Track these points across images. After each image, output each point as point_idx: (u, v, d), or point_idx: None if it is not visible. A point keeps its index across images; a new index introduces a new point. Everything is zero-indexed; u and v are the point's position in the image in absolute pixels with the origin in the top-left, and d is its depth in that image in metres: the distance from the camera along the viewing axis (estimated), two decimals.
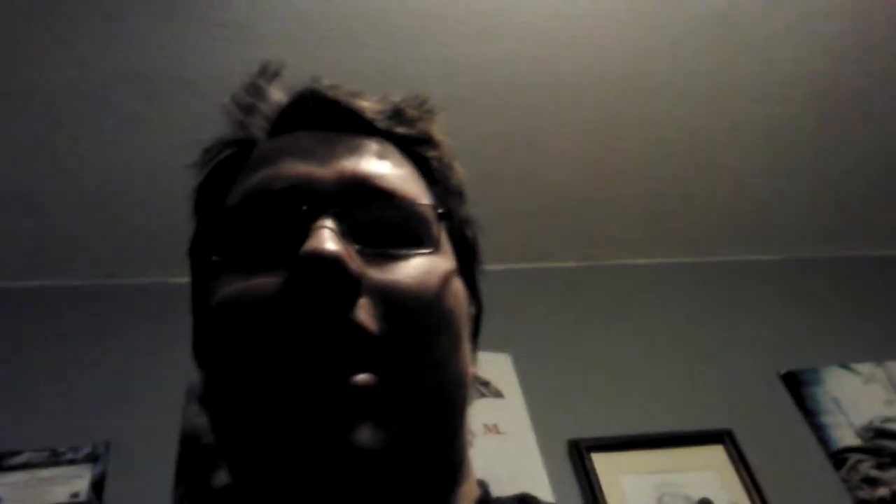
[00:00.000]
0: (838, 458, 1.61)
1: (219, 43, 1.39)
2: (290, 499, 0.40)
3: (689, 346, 1.80)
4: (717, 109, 1.68)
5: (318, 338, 0.39)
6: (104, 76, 1.40)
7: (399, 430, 0.39)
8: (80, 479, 1.39)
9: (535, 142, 1.67)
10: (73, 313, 1.66)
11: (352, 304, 0.41)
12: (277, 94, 0.54)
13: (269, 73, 0.55)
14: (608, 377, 1.70)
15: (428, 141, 0.55)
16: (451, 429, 0.45)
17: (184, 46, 1.39)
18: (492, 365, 1.64)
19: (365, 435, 0.38)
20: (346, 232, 0.43)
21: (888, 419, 1.68)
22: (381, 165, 0.49)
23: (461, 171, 0.57)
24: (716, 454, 1.58)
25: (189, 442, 1.44)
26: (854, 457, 1.61)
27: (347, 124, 0.52)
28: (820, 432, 1.66)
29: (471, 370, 0.50)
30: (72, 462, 1.41)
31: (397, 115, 0.54)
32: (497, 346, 1.65)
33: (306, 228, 0.42)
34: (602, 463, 1.52)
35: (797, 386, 1.74)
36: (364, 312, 0.41)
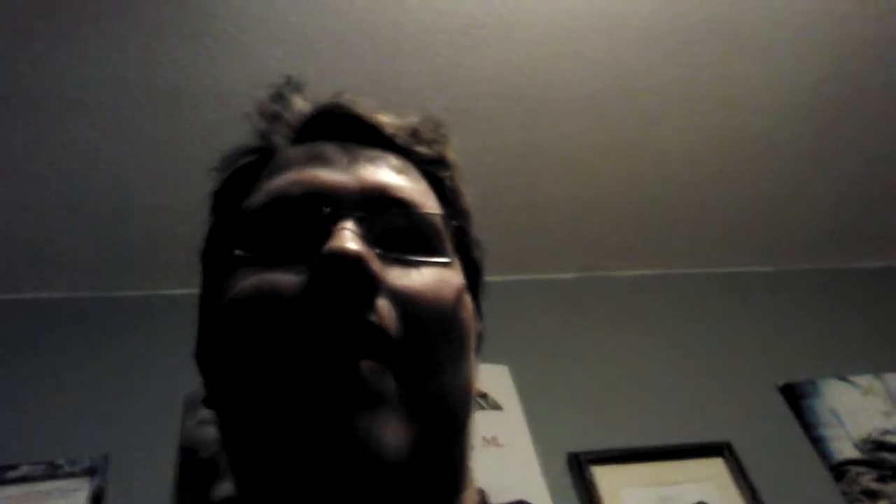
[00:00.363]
0: (838, 470, 1.61)
1: (213, 54, 1.39)
2: (299, 499, 0.40)
3: (688, 358, 1.80)
4: (717, 119, 1.69)
5: (335, 333, 0.40)
6: (100, 87, 1.40)
7: (408, 425, 0.40)
8: (78, 493, 1.39)
9: (532, 153, 1.68)
10: (70, 325, 1.65)
11: (370, 303, 0.42)
12: (301, 105, 0.56)
13: (293, 84, 0.57)
14: (607, 389, 1.70)
15: (443, 162, 0.57)
16: (456, 434, 0.46)
17: (177, 58, 1.39)
18: (490, 377, 1.64)
19: (374, 424, 0.39)
20: (367, 236, 0.44)
21: (887, 431, 1.68)
22: (400, 178, 0.51)
23: (469, 196, 0.58)
24: (715, 467, 1.58)
25: (187, 454, 1.43)
26: (854, 469, 1.61)
27: (368, 138, 0.54)
28: (819, 445, 1.65)
29: (476, 384, 0.51)
30: (70, 475, 1.41)
31: (415, 134, 0.56)
32: (495, 358, 1.64)
33: (328, 230, 0.43)
34: (602, 476, 1.52)
35: (796, 398, 1.74)
36: (382, 313, 0.42)
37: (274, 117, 0.56)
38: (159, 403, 1.48)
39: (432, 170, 0.56)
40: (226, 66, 1.41)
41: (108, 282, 1.71)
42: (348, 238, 0.42)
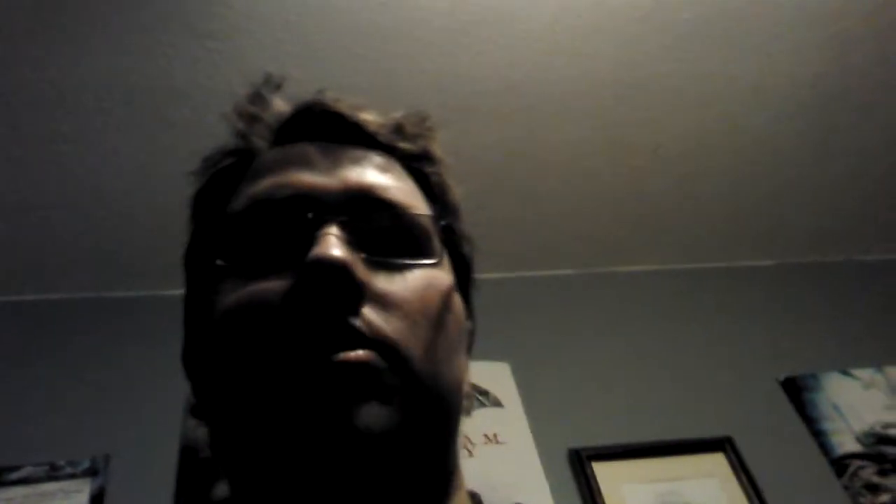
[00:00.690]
0: (840, 464, 1.61)
1: (213, 55, 1.39)
2: (291, 500, 0.40)
3: (689, 353, 1.80)
4: (715, 114, 1.68)
5: (320, 336, 0.40)
6: (100, 88, 1.40)
7: (394, 419, 0.39)
8: (79, 494, 1.39)
9: (532, 150, 1.68)
10: (71, 326, 1.65)
11: (356, 310, 0.41)
12: (281, 105, 0.55)
13: (272, 84, 0.56)
14: (608, 385, 1.70)
15: (428, 157, 0.56)
16: (444, 433, 0.45)
17: (178, 59, 1.39)
18: (491, 374, 1.64)
19: (364, 415, 0.38)
20: (352, 240, 0.43)
21: (889, 425, 1.68)
22: (384, 178, 0.50)
23: (457, 189, 0.57)
24: (717, 462, 1.58)
25: (188, 455, 1.43)
26: (855, 463, 1.61)
27: (350, 137, 0.53)
28: (820, 439, 1.65)
29: (466, 384, 0.50)
30: (71, 476, 1.41)
31: (399, 130, 0.55)
32: (496, 355, 1.65)
33: (312, 236, 0.43)
34: (603, 472, 1.52)
35: (797, 392, 1.74)
36: (368, 318, 0.41)
37: (253, 118, 0.55)
38: (160, 404, 1.48)
39: (418, 165, 0.55)
40: (226, 67, 1.40)
41: (108, 283, 1.72)
42: (333, 244, 0.41)
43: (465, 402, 0.49)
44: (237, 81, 1.40)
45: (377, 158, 0.52)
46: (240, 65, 1.40)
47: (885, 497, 1.55)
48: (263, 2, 1.35)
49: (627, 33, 1.50)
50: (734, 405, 1.69)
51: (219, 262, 0.46)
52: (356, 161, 0.50)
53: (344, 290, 0.41)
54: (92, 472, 1.42)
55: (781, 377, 1.77)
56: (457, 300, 0.49)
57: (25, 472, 1.41)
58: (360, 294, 0.41)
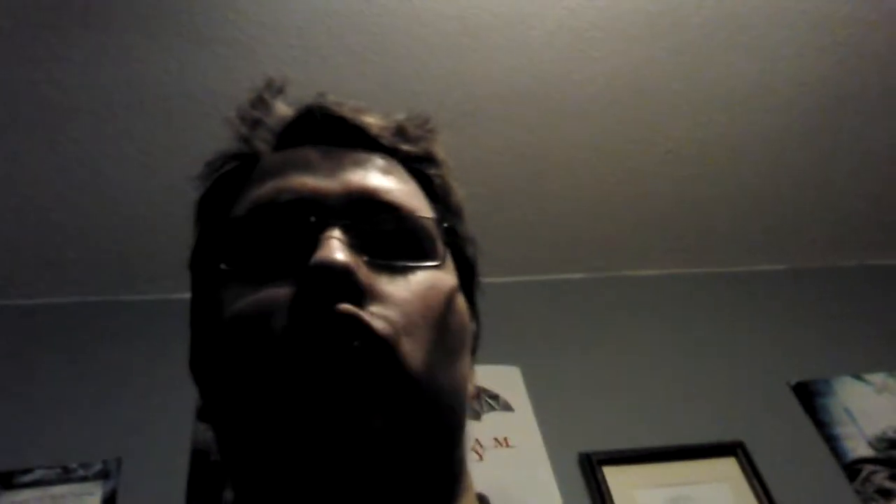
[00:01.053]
0: (852, 469, 1.60)
1: (222, 61, 1.40)
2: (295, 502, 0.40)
3: (700, 357, 1.79)
4: (723, 118, 1.68)
5: (325, 338, 0.40)
6: (109, 94, 1.41)
7: (398, 419, 0.40)
8: (91, 497, 1.40)
9: (542, 154, 1.68)
10: (83, 330, 1.66)
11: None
12: (283, 109, 0.55)
13: (274, 88, 0.56)
14: (618, 389, 1.69)
15: (430, 159, 0.56)
16: (446, 434, 0.45)
17: (187, 65, 1.40)
18: (501, 378, 1.63)
19: (368, 414, 0.39)
20: (354, 243, 0.44)
21: None
22: (386, 180, 0.50)
23: (460, 192, 0.57)
24: (728, 466, 1.57)
25: (199, 457, 1.44)
26: (868, 468, 1.60)
27: (352, 140, 0.53)
28: (833, 443, 1.64)
29: (470, 386, 0.50)
30: (83, 479, 1.42)
31: (401, 132, 0.55)
32: (506, 359, 1.64)
33: (315, 239, 0.43)
34: (614, 476, 1.51)
35: (809, 397, 1.73)
36: (370, 317, 0.41)
37: (256, 122, 0.55)
38: (171, 407, 1.48)
39: (420, 168, 0.55)
40: (235, 73, 1.41)
41: (120, 286, 1.73)
42: (335, 248, 0.41)
43: (471, 405, 0.49)
44: (245, 86, 1.40)
45: (379, 161, 0.52)
46: (248, 70, 1.41)
47: None
48: (272, 7, 1.36)
49: (635, 37, 1.51)
50: (746, 410, 1.68)
51: (223, 266, 0.46)
52: (358, 164, 0.50)
53: (347, 293, 0.41)
54: (104, 475, 1.42)
55: (793, 381, 1.76)
56: (460, 302, 0.49)
57: (37, 474, 1.41)
58: (362, 297, 0.42)
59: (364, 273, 0.42)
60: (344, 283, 0.41)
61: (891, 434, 1.66)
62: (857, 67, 1.64)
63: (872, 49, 1.61)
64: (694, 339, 1.83)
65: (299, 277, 0.42)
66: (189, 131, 1.47)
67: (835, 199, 1.93)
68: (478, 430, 1.51)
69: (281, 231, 0.45)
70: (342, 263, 0.41)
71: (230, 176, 0.54)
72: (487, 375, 1.58)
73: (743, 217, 1.92)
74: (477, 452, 1.48)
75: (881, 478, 1.58)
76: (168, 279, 1.65)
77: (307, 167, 0.49)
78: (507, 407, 1.60)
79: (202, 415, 0.50)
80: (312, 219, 0.45)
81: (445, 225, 0.50)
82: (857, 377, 1.77)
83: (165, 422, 1.48)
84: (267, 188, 0.48)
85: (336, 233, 0.43)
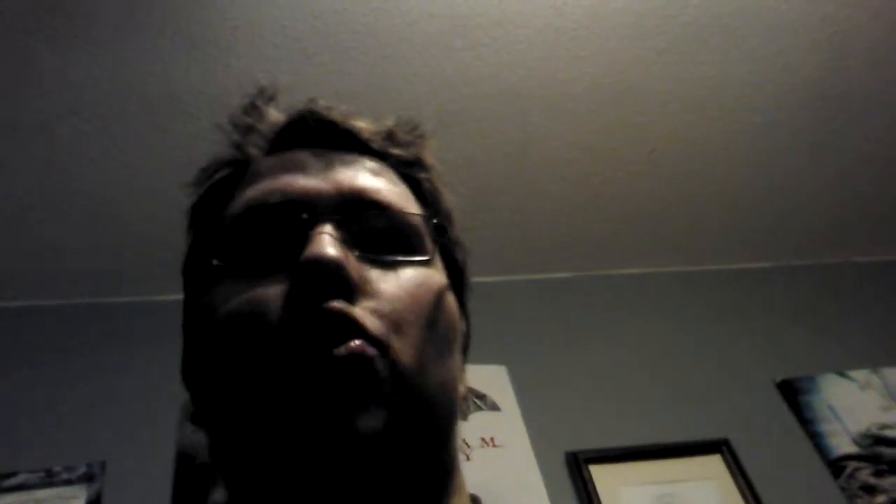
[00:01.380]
0: (836, 465, 1.61)
1: (207, 61, 1.39)
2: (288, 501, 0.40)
3: (685, 355, 1.80)
4: (709, 117, 1.69)
5: (317, 333, 0.40)
6: (92, 94, 1.40)
7: (391, 416, 0.40)
8: (75, 500, 1.38)
9: (528, 153, 1.68)
10: (66, 332, 1.65)
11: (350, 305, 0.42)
12: (275, 115, 0.56)
13: (266, 94, 0.57)
14: (605, 388, 1.70)
15: (420, 164, 0.57)
16: (437, 432, 0.46)
17: (171, 65, 1.39)
18: (488, 377, 1.64)
19: (361, 415, 0.39)
20: (345, 238, 0.44)
21: (885, 426, 1.69)
22: (376, 181, 0.51)
23: (450, 196, 0.58)
24: (714, 464, 1.58)
25: (184, 460, 1.43)
26: (852, 464, 1.61)
27: (343, 144, 0.54)
28: (817, 440, 1.66)
29: (461, 385, 0.51)
30: (67, 482, 1.40)
31: (391, 137, 0.56)
32: (493, 359, 1.65)
33: (306, 235, 0.43)
34: (600, 475, 1.52)
35: (793, 394, 1.74)
36: (362, 314, 0.42)
37: (248, 129, 0.56)
38: (156, 410, 1.47)
39: (410, 172, 0.55)
40: (220, 73, 1.40)
41: (103, 288, 1.71)
42: (327, 243, 0.42)
43: (461, 405, 0.50)
44: (233, 87, 1.40)
45: (370, 163, 0.53)
46: (236, 71, 1.40)
47: (881, 498, 1.56)
48: (258, 8, 1.35)
49: (622, 37, 1.51)
50: (731, 407, 1.69)
51: (216, 262, 0.47)
52: (349, 165, 0.51)
53: (338, 288, 0.41)
54: (88, 479, 1.41)
55: (778, 379, 1.77)
56: (450, 300, 0.50)
57: (21, 478, 1.40)
58: (353, 292, 0.42)
59: (355, 267, 0.43)
60: (335, 278, 0.41)
61: (875, 431, 1.67)
62: (842, 67, 1.65)
63: (857, 48, 1.62)
64: (679, 337, 1.84)
65: (292, 272, 0.42)
66: (176, 133, 1.46)
67: (820, 197, 1.94)
68: (464, 430, 1.51)
69: (273, 229, 0.46)
70: (333, 258, 0.42)
71: (223, 182, 0.55)
72: (474, 375, 1.57)
73: (728, 216, 1.93)
74: (464, 452, 1.48)
75: (865, 474, 1.60)
76: (152, 281, 1.63)
77: (299, 168, 0.50)
78: (494, 406, 1.60)
79: (195, 418, 0.50)
80: (304, 216, 0.45)
81: (434, 222, 0.50)
82: (842, 374, 1.79)
83: (150, 425, 1.47)
84: (260, 188, 0.49)
85: (327, 228, 0.44)
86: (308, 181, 0.49)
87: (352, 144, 0.54)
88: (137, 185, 1.54)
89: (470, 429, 1.53)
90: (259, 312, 0.42)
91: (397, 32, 1.42)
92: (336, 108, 0.56)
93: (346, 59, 1.44)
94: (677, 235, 1.95)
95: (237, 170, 0.55)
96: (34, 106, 1.40)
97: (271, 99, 0.57)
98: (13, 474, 1.40)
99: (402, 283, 0.45)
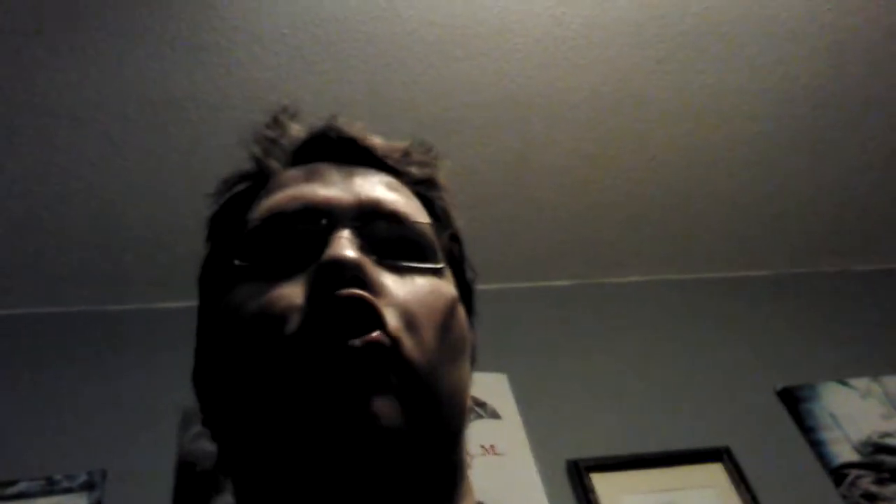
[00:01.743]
0: (838, 474, 1.61)
1: (207, 67, 1.40)
2: (302, 497, 0.41)
3: (686, 363, 1.79)
4: (709, 126, 1.69)
5: (336, 323, 0.42)
6: (93, 100, 1.41)
7: (405, 414, 0.41)
8: None
9: (528, 161, 1.68)
10: (66, 340, 1.65)
11: None
12: (297, 129, 0.58)
13: (288, 112, 0.59)
14: (606, 396, 1.69)
15: (433, 183, 0.59)
16: (451, 438, 0.47)
17: (171, 71, 1.40)
18: (488, 385, 1.63)
19: (378, 407, 0.40)
20: (363, 244, 0.46)
21: (886, 434, 1.68)
22: (393, 194, 0.53)
23: (460, 219, 0.60)
24: (715, 472, 1.57)
25: (185, 468, 1.43)
26: (853, 473, 1.61)
27: (361, 159, 0.56)
28: (818, 448, 1.65)
29: (469, 393, 0.52)
30: (68, 490, 1.40)
31: (407, 155, 0.59)
32: (493, 367, 1.64)
33: (325, 240, 0.45)
34: (601, 483, 1.52)
35: (794, 402, 1.74)
36: (379, 303, 0.43)
37: (270, 143, 0.58)
38: (156, 417, 1.47)
39: (423, 190, 0.57)
40: (220, 79, 1.41)
41: (103, 296, 1.71)
42: (345, 245, 0.44)
43: (469, 414, 0.51)
44: (233, 93, 1.41)
45: (387, 178, 0.55)
46: (236, 77, 1.41)
47: None
48: (258, 15, 1.36)
49: (621, 45, 1.52)
50: (732, 415, 1.69)
51: (237, 262, 0.49)
52: (367, 178, 0.53)
53: (356, 284, 0.43)
54: (88, 487, 1.41)
55: (779, 387, 1.77)
56: (461, 310, 0.51)
57: (22, 486, 1.40)
58: (372, 292, 0.43)
59: (372, 269, 0.45)
60: (353, 278, 0.43)
61: (876, 439, 1.67)
62: (840, 75, 1.65)
63: (856, 57, 1.62)
64: (680, 345, 1.84)
65: (312, 274, 0.44)
66: (176, 138, 1.46)
67: (818, 206, 1.94)
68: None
69: (294, 234, 0.48)
70: (352, 258, 0.43)
71: (244, 194, 0.57)
72: (474, 383, 1.57)
73: (728, 224, 1.93)
74: None
75: (867, 482, 1.59)
76: (153, 289, 1.64)
77: (320, 178, 0.52)
78: (495, 414, 1.60)
79: (206, 421, 0.51)
80: (324, 221, 0.48)
81: (448, 232, 0.53)
82: (842, 382, 1.78)
83: (151, 432, 1.47)
84: (282, 196, 0.51)
85: (346, 233, 0.46)
86: (328, 191, 0.51)
87: (370, 160, 0.56)
88: (139, 190, 1.54)
89: (471, 437, 1.52)
90: (280, 307, 0.44)
91: (397, 41, 1.43)
92: (356, 125, 0.58)
93: (347, 67, 1.44)
94: (677, 243, 1.95)
95: (257, 182, 0.57)
96: (34, 110, 1.40)
97: (294, 116, 0.59)
98: (14, 482, 1.40)
99: (416, 288, 0.47)
